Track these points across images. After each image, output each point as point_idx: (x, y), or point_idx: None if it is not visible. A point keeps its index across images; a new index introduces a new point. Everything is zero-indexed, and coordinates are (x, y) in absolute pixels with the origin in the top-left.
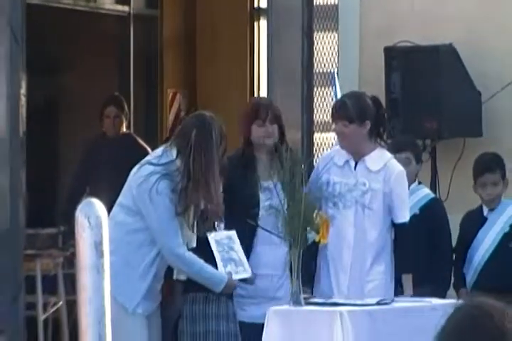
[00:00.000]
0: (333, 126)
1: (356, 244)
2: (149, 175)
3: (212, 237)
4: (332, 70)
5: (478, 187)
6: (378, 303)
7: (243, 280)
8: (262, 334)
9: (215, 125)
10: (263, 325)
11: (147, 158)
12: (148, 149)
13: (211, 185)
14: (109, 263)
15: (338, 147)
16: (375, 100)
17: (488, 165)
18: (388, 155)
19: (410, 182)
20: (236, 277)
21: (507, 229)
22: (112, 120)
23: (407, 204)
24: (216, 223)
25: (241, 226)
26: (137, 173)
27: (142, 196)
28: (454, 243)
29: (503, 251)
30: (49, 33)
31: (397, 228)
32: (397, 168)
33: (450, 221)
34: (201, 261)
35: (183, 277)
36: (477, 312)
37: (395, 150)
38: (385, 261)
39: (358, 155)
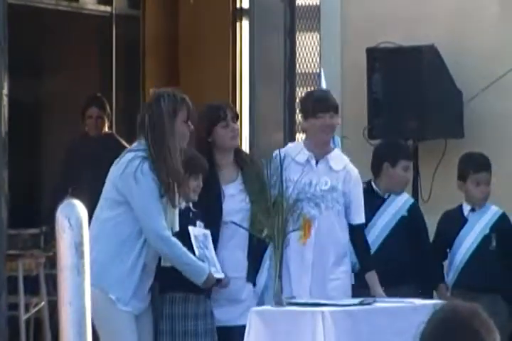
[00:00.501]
0: (319, 121)
1: (318, 243)
2: (132, 159)
3: (192, 231)
4: (318, 70)
5: (469, 185)
6: (360, 304)
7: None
8: (229, 337)
9: (165, 97)
10: (229, 327)
11: (126, 149)
12: None
13: (173, 160)
14: (99, 261)
15: (292, 145)
16: None
17: (485, 163)
18: (345, 156)
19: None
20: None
21: (487, 231)
22: (94, 120)
23: (363, 207)
24: (198, 222)
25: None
26: (119, 162)
27: (127, 180)
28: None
29: (483, 253)
30: (31, 33)
31: (356, 229)
32: (355, 170)
33: (432, 221)
34: (185, 249)
35: (169, 264)
36: (452, 315)
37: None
38: (347, 261)
39: (322, 153)
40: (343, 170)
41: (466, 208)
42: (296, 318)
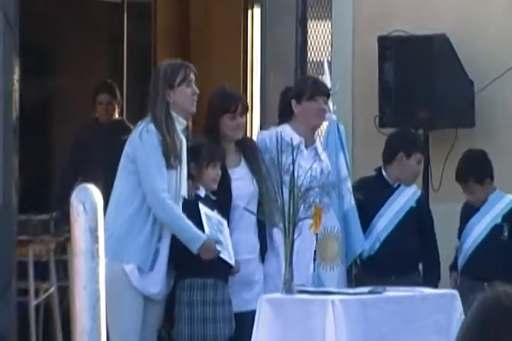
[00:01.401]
0: (315, 104)
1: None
2: (138, 125)
3: (203, 209)
4: (323, 59)
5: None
6: (370, 292)
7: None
8: (243, 321)
9: (164, 66)
10: (243, 313)
11: None
12: None
13: (162, 121)
14: (115, 235)
15: (278, 129)
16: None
17: (461, 175)
18: None
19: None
20: (221, 255)
21: (499, 220)
22: (104, 107)
23: None
24: (216, 211)
25: None
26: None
27: (134, 140)
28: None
29: (493, 242)
30: (42, 20)
31: None
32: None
33: (442, 210)
34: (181, 214)
35: None
36: (496, 304)
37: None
38: None
39: (310, 139)
40: (324, 160)
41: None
42: (306, 306)
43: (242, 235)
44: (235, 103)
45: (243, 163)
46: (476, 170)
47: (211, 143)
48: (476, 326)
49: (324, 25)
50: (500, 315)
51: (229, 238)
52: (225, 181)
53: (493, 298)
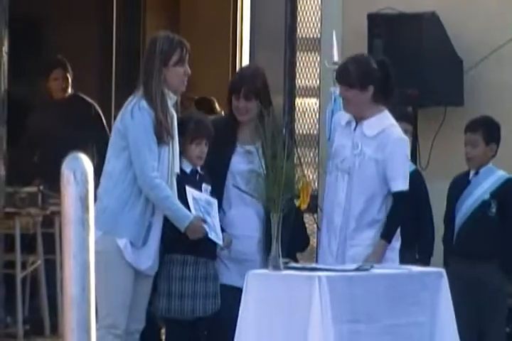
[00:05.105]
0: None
1: (346, 208)
2: (131, 100)
3: (190, 192)
4: (319, 36)
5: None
6: (357, 269)
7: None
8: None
9: (159, 40)
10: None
11: None
12: (96, 106)
13: (155, 98)
14: (110, 208)
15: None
16: (383, 63)
17: (471, 124)
18: (389, 121)
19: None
20: (209, 236)
21: (487, 196)
22: (60, 82)
23: (403, 173)
24: (204, 185)
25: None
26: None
27: (126, 117)
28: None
29: (480, 219)
30: None
31: (393, 197)
32: (394, 135)
33: (430, 189)
34: (170, 192)
35: None
36: None
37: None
38: (376, 228)
39: (359, 119)
40: (378, 135)
41: (472, 171)
42: (292, 282)
43: (242, 211)
44: (239, 85)
45: (257, 142)
46: (489, 128)
47: (200, 118)
48: None
49: (314, 2)
50: None
51: (217, 218)
52: (227, 153)
53: None
